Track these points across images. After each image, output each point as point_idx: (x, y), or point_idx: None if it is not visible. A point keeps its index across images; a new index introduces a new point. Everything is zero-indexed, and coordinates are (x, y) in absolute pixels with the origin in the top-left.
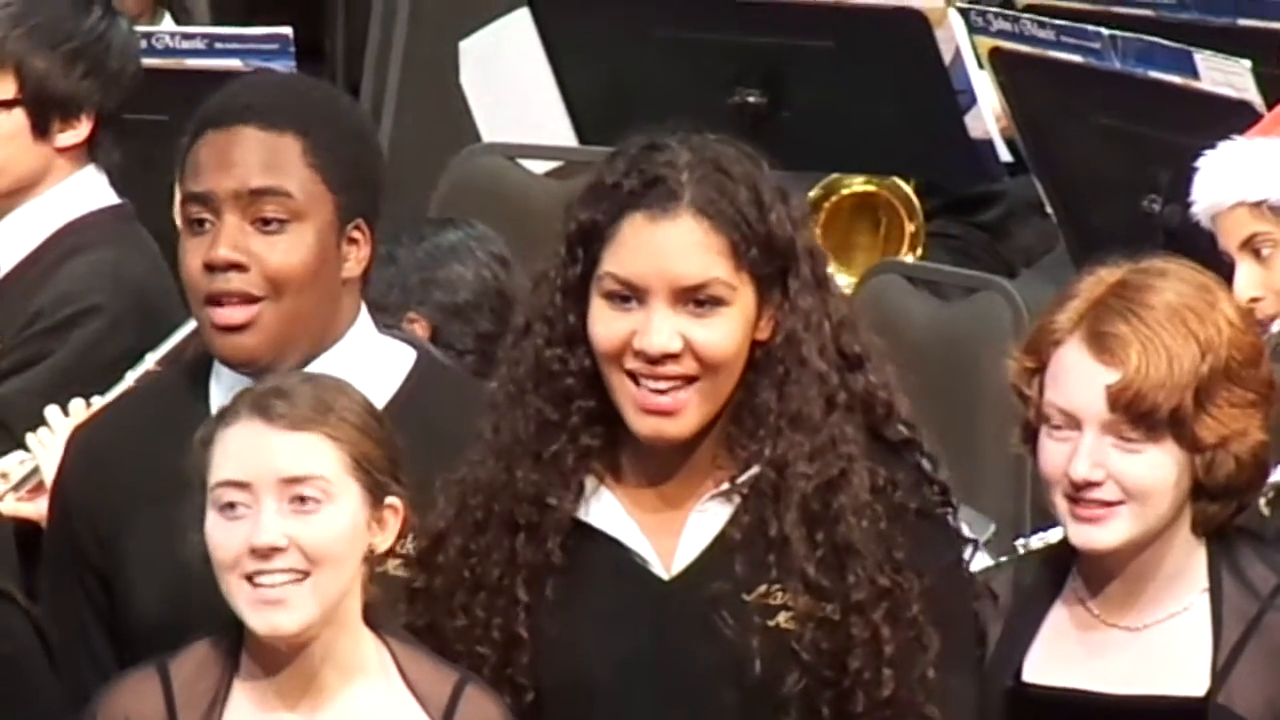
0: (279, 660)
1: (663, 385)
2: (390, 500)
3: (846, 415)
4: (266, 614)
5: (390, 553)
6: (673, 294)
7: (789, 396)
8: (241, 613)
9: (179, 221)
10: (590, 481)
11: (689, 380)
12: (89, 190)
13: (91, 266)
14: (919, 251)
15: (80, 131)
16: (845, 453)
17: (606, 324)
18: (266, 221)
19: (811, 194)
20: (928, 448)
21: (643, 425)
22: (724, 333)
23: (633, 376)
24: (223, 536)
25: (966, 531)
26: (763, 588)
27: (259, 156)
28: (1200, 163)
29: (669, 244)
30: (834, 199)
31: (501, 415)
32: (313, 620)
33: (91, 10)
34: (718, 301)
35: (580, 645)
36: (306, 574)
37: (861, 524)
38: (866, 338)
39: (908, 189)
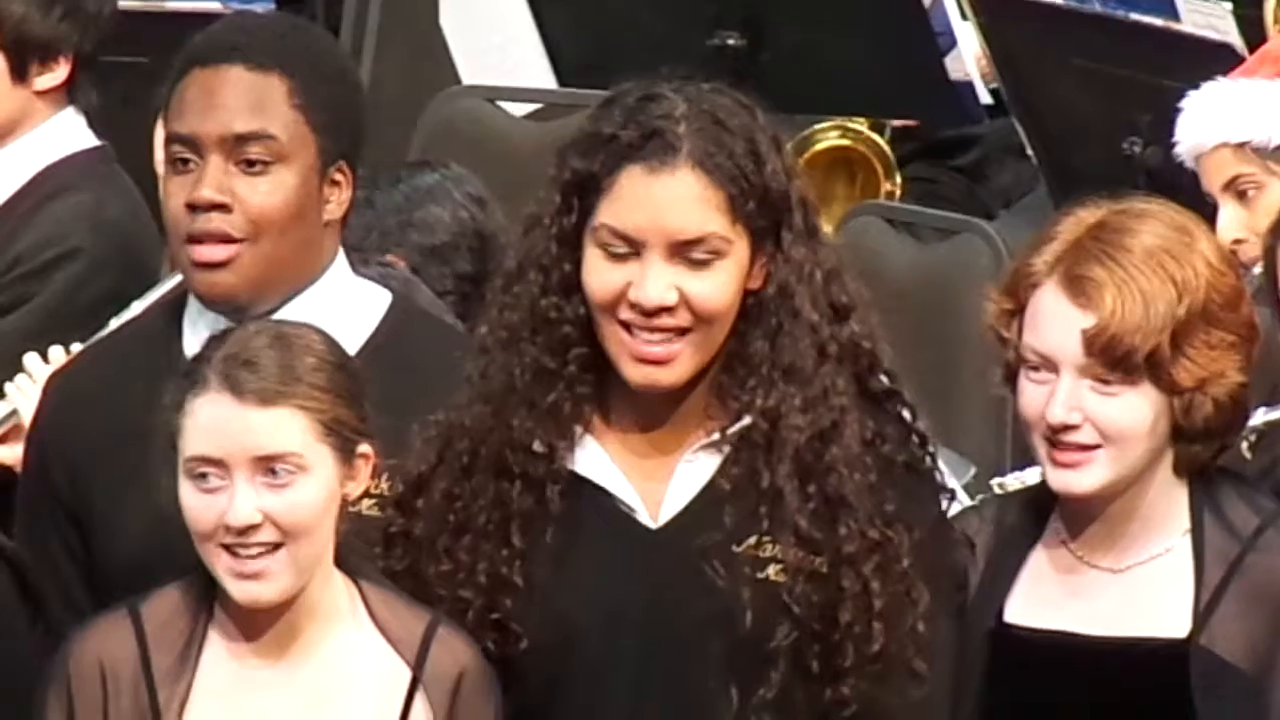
0: (255, 611)
1: (656, 337)
2: (362, 449)
3: (837, 367)
4: (246, 585)
5: (364, 493)
6: (669, 247)
7: (782, 347)
8: (221, 580)
9: (160, 160)
10: (578, 429)
11: (682, 332)
12: (68, 133)
13: (72, 210)
14: None
15: (59, 74)
16: (837, 404)
17: (601, 275)
18: (250, 163)
19: None
20: (908, 397)
21: (635, 373)
22: (719, 285)
23: (626, 326)
24: (198, 508)
25: (946, 480)
26: (752, 539)
27: (245, 98)
28: (1184, 103)
29: (667, 197)
30: (809, 154)
31: (491, 360)
32: (292, 587)
33: None
34: (714, 255)
35: (567, 593)
36: (281, 544)
37: (854, 476)
38: (854, 287)
39: (883, 144)
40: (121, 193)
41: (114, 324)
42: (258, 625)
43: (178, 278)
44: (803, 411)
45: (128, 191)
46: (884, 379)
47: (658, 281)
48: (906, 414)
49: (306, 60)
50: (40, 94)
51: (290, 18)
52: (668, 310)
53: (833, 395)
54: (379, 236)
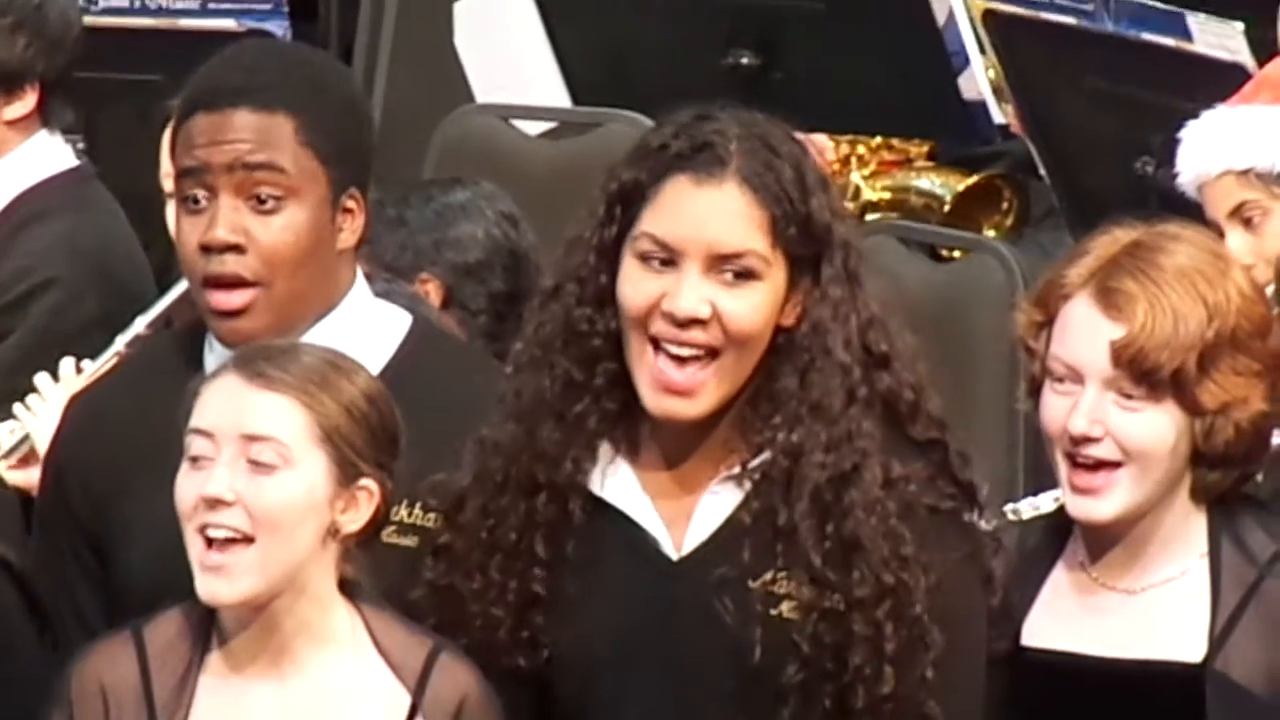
0: (242, 627)
1: (685, 352)
2: (364, 482)
3: (865, 410)
4: (208, 580)
5: (384, 519)
6: (708, 260)
7: (811, 385)
8: (195, 574)
9: (167, 188)
10: (606, 453)
11: (711, 353)
12: (42, 156)
13: (47, 238)
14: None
15: (27, 102)
16: (860, 447)
17: (636, 284)
18: (262, 200)
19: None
20: (957, 447)
21: (657, 404)
22: (752, 306)
23: (655, 343)
24: (183, 485)
25: (982, 524)
26: (768, 575)
27: (252, 136)
28: (1184, 133)
29: (711, 209)
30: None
31: (524, 377)
32: (253, 591)
33: None
34: (750, 274)
35: (588, 612)
36: (251, 539)
37: (870, 520)
38: (897, 337)
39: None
40: (100, 213)
41: (119, 342)
42: (256, 647)
43: (176, 291)
44: (825, 451)
45: (107, 212)
46: (929, 428)
47: (692, 293)
48: (955, 461)
49: (311, 95)
50: (11, 124)
51: (293, 48)
52: (699, 324)
53: (857, 438)
54: (413, 255)
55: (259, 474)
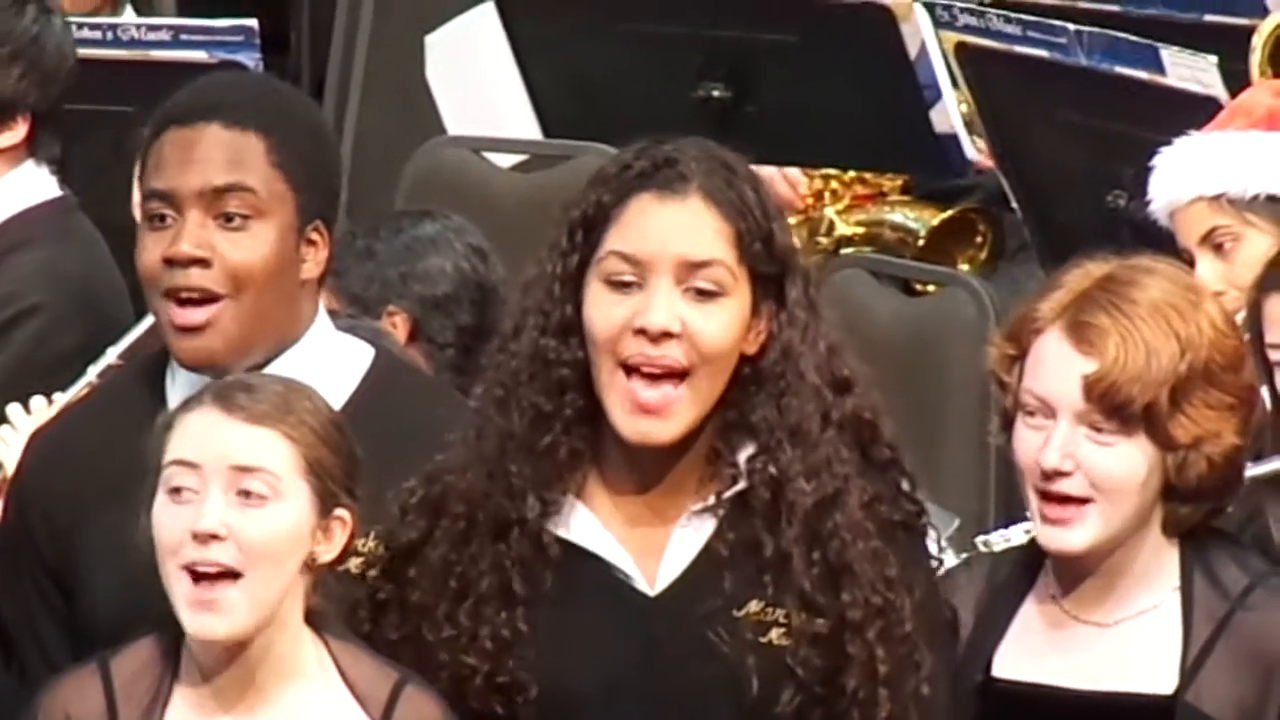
0: (218, 661)
1: (657, 370)
2: (339, 512)
3: (840, 434)
4: (201, 616)
5: (351, 552)
6: (676, 271)
7: (789, 409)
8: (178, 610)
9: (139, 217)
10: (570, 495)
11: (681, 376)
12: (27, 186)
13: (29, 266)
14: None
15: (17, 132)
16: (841, 472)
17: (604, 309)
18: (229, 218)
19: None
20: (908, 468)
21: (631, 426)
22: (722, 324)
23: (626, 368)
24: (166, 520)
25: (936, 543)
26: (753, 604)
27: (223, 154)
28: (1157, 160)
29: (676, 222)
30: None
31: (487, 419)
32: (245, 626)
33: (25, 11)
34: (718, 290)
35: (567, 653)
36: (240, 574)
37: (857, 543)
38: (855, 363)
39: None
40: (82, 244)
41: (90, 373)
42: (224, 679)
43: (148, 321)
44: (807, 478)
45: (89, 241)
46: (886, 450)
47: (663, 306)
48: (905, 484)
49: (284, 118)
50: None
51: (266, 77)
52: (671, 338)
53: (836, 463)
54: (380, 287)
55: (249, 506)
